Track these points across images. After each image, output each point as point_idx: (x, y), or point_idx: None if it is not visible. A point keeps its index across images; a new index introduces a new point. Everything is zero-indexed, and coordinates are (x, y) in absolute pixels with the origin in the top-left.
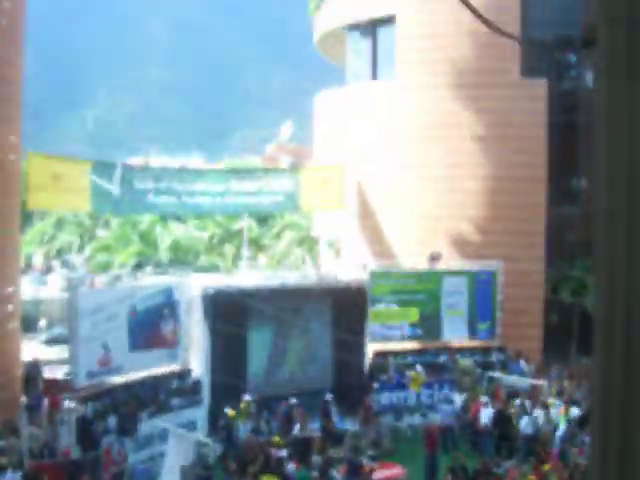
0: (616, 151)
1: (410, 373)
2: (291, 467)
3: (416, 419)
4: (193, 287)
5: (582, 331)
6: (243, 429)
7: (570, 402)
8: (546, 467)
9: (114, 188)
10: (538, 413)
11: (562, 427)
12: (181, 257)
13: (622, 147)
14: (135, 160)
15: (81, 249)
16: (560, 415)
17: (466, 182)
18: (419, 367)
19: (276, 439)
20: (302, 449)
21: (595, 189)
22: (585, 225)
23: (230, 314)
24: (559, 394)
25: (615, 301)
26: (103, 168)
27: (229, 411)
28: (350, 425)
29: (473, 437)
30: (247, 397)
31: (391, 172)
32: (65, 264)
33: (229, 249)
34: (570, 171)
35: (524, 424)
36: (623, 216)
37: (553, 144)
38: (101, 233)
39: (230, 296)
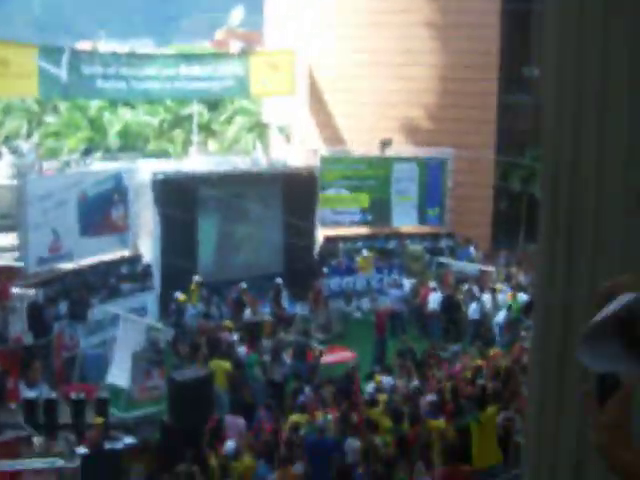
0: (564, 40)
1: (358, 258)
2: (242, 351)
3: (365, 303)
4: (143, 173)
5: (530, 219)
6: (193, 312)
7: (518, 288)
8: (491, 351)
9: (62, 73)
10: (486, 298)
11: (502, 313)
12: (131, 143)
13: (570, 37)
14: (83, 45)
15: (29, 135)
16: (507, 300)
17: (418, 69)
18: (365, 251)
19: (226, 323)
20: (252, 333)
21: (544, 78)
22: (536, 114)
23: (180, 199)
24: (507, 280)
25: (559, 189)
26: (50, 53)
27: (179, 295)
28: (300, 309)
29: (421, 321)
30: (197, 279)
31: (342, 57)
32: (13, 151)
33: (179, 135)
34: (523, 59)
35: (472, 309)
36: (570, 104)
37: (506, 32)
38: (50, 119)
39: (179, 181)
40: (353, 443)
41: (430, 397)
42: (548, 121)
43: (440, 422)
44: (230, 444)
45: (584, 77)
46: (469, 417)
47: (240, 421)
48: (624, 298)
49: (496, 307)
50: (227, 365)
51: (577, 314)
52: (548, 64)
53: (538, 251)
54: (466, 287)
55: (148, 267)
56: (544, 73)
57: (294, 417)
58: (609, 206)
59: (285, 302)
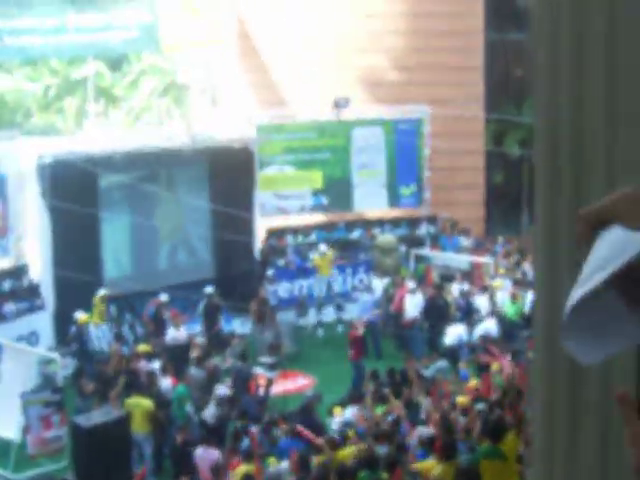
0: None
1: (314, 256)
2: (165, 383)
3: (328, 314)
4: (24, 156)
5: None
6: (97, 335)
7: (522, 284)
8: (494, 367)
9: None
10: (481, 299)
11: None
12: (6, 117)
13: None
14: None
15: None
16: (508, 300)
17: (379, 2)
18: (324, 246)
19: (143, 348)
20: (178, 359)
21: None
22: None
23: (75, 189)
24: (507, 274)
25: (560, 150)
26: None
27: (80, 315)
28: (239, 326)
29: (398, 333)
30: (102, 291)
31: None
32: None
33: (70, 104)
34: None
35: (461, 314)
36: (568, 41)
37: None
38: None
39: (74, 165)
40: None
41: (420, 431)
42: (541, 64)
43: (430, 463)
44: None
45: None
46: (480, 453)
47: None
48: (622, 237)
49: (495, 310)
50: (147, 403)
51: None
52: None
53: (536, 235)
54: (455, 286)
55: (36, 281)
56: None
57: (242, 468)
58: (622, 169)
59: (220, 317)
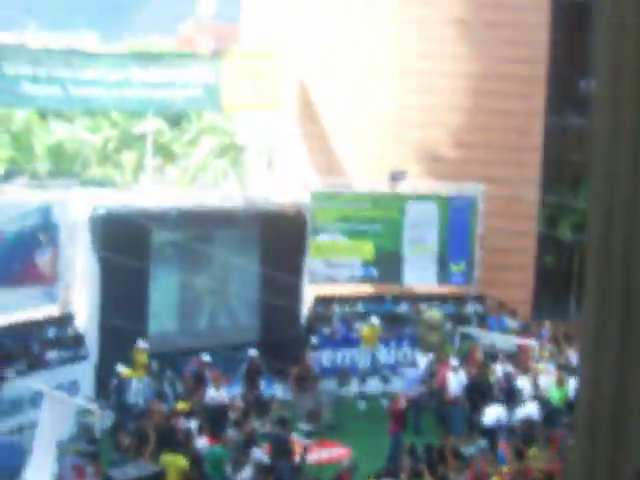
0: (621, 44)
1: (362, 326)
2: (202, 443)
3: (371, 385)
4: (79, 206)
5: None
6: (138, 388)
7: (566, 368)
8: (532, 452)
9: None
10: (524, 382)
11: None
12: (64, 167)
13: (629, 40)
14: (6, 37)
15: None
16: (554, 384)
17: (442, 79)
18: (375, 318)
19: (181, 405)
20: (216, 420)
21: (596, 93)
22: None
23: (127, 242)
24: (553, 358)
25: (613, 235)
26: None
27: (122, 369)
28: (280, 391)
29: (439, 410)
30: (142, 344)
31: (344, 63)
32: None
33: (128, 158)
34: (579, 70)
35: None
36: (626, 131)
37: (558, 33)
38: None
39: (127, 219)
40: None
41: None
42: (599, 149)
43: None
44: None
45: None
46: None
47: None
48: None
49: (537, 394)
50: (182, 461)
51: (631, 418)
52: (602, 76)
53: (584, 326)
54: (498, 367)
55: (81, 330)
56: (596, 86)
57: None
58: None
59: (261, 381)
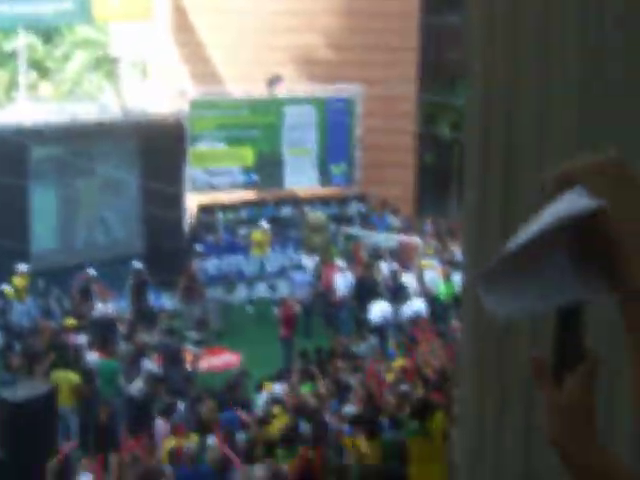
0: None
1: (250, 232)
2: (92, 357)
3: (260, 290)
4: None
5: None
6: (21, 310)
7: (451, 264)
8: (422, 346)
9: None
10: (409, 278)
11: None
12: None
13: None
14: None
15: None
16: (440, 280)
17: None
18: (265, 223)
19: (70, 321)
20: (105, 334)
21: None
22: None
23: (5, 160)
24: (437, 254)
25: (492, 133)
26: None
27: (6, 289)
28: (168, 302)
29: (327, 311)
30: (23, 267)
31: None
32: None
33: (1, 76)
34: None
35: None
36: (501, 21)
37: None
38: None
39: (3, 137)
40: (257, 471)
41: (347, 408)
42: (475, 46)
43: (358, 440)
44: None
45: None
46: (406, 430)
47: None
48: (578, 199)
49: (424, 290)
50: (74, 376)
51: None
52: None
53: (466, 218)
54: (383, 264)
55: None
56: None
57: (169, 442)
58: (555, 150)
59: (148, 293)
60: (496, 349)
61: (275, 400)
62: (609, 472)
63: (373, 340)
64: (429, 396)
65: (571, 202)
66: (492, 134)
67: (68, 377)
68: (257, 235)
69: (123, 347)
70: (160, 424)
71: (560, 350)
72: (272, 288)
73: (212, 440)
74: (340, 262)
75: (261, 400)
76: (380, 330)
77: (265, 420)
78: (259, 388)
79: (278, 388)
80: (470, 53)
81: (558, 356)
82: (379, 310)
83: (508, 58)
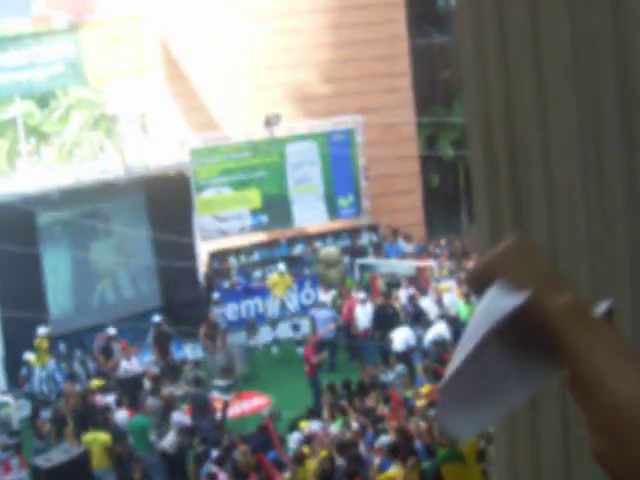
0: None
1: (271, 275)
2: (121, 415)
3: (283, 331)
4: None
5: (471, 191)
6: (44, 376)
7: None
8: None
9: None
10: (428, 302)
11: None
12: None
13: None
14: None
15: None
16: (460, 301)
17: (302, 18)
18: (282, 265)
19: (95, 382)
20: (132, 391)
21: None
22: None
23: (13, 230)
24: (453, 274)
25: (494, 147)
26: None
27: (29, 357)
28: (190, 352)
29: (351, 343)
30: (42, 330)
31: (203, 15)
32: None
33: (1, 145)
34: None
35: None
36: (491, 34)
37: None
38: None
39: (9, 206)
40: None
41: (382, 440)
42: (468, 63)
43: (393, 473)
44: None
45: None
46: (439, 457)
47: None
48: (506, 296)
49: (444, 313)
50: (104, 437)
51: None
52: None
53: (479, 235)
54: (402, 292)
55: None
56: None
57: None
58: (559, 157)
59: (170, 345)
60: None
61: (308, 439)
62: None
63: (400, 368)
64: None
65: (496, 301)
66: (496, 146)
67: (99, 438)
68: (274, 278)
69: (151, 402)
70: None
71: None
72: (294, 328)
73: None
74: (360, 294)
75: (293, 440)
76: (405, 357)
77: (300, 459)
78: (292, 428)
79: (313, 426)
80: (464, 69)
81: None
82: (401, 337)
83: (502, 70)
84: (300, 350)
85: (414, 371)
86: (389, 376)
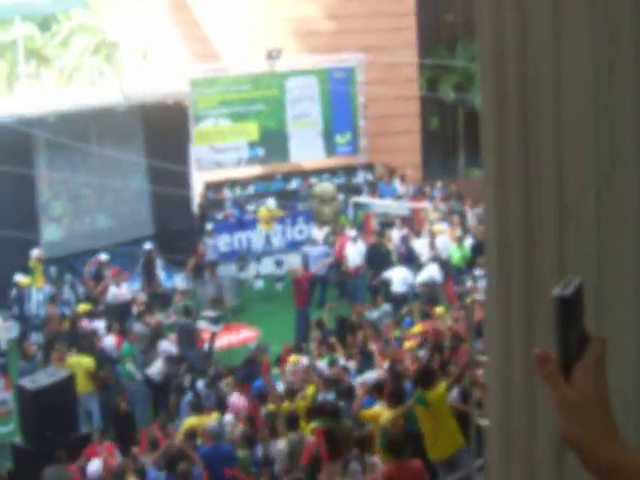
0: None
1: (256, 208)
2: (109, 341)
3: (267, 266)
4: None
5: (471, 136)
6: (39, 297)
7: (462, 227)
8: (438, 310)
9: None
10: (422, 243)
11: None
12: None
13: None
14: None
15: None
16: (453, 245)
17: None
18: (271, 200)
19: (83, 307)
20: (120, 317)
21: None
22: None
23: (10, 151)
24: (447, 218)
25: (506, 91)
26: None
27: (20, 278)
28: (180, 281)
29: (341, 280)
30: (36, 252)
31: None
32: None
33: (1, 66)
34: None
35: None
36: None
37: None
38: None
39: (7, 127)
40: (279, 445)
41: (367, 377)
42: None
43: (377, 410)
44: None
45: None
46: (412, 399)
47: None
48: None
49: (437, 255)
50: (88, 361)
51: (543, 253)
52: None
53: (486, 176)
54: (395, 232)
55: None
56: None
57: (190, 420)
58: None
59: (160, 273)
60: (522, 311)
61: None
62: (634, 470)
63: (385, 307)
64: (429, 364)
65: None
66: (507, 97)
67: (82, 362)
68: (263, 212)
69: (138, 328)
70: (184, 404)
71: (565, 343)
72: (278, 265)
73: (230, 417)
74: (352, 232)
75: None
76: (399, 298)
77: (291, 393)
78: (278, 362)
79: (302, 361)
80: (479, 11)
81: (564, 350)
82: (400, 277)
83: (518, 13)
84: (279, 286)
85: (399, 311)
86: (373, 314)
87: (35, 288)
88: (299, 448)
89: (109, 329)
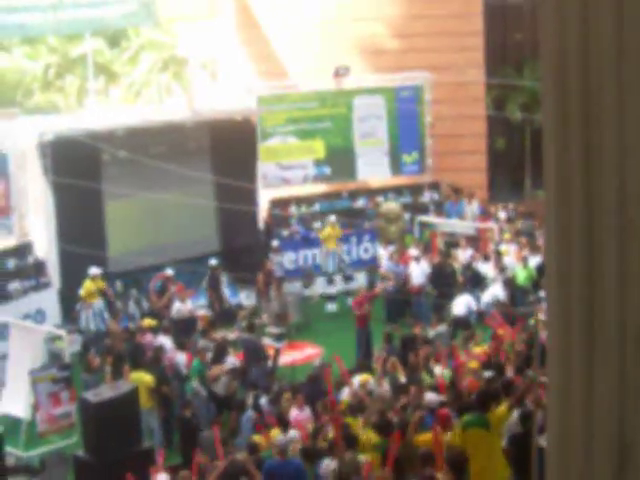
0: None
1: (321, 225)
2: (180, 358)
3: (337, 284)
4: (26, 134)
5: (537, 156)
6: (88, 313)
7: (529, 248)
8: (500, 332)
9: None
10: (487, 265)
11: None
12: (7, 95)
13: None
14: None
15: None
16: (519, 265)
17: None
18: (333, 217)
19: (147, 322)
20: (185, 332)
21: None
22: (536, 18)
23: (78, 165)
24: (514, 239)
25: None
26: None
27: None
28: (245, 298)
29: (405, 300)
30: (94, 270)
31: None
32: None
33: (71, 82)
34: None
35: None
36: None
37: None
38: None
39: (75, 142)
40: (330, 464)
41: (429, 397)
42: (547, 25)
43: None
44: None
45: None
46: (470, 421)
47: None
48: None
49: (503, 276)
50: (148, 378)
51: (604, 272)
52: None
53: (547, 195)
54: (460, 252)
55: (41, 259)
56: None
57: (253, 437)
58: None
59: (225, 290)
60: (582, 334)
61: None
62: None
63: (441, 327)
64: (490, 386)
65: None
66: (570, 116)
67: (144, 379)
68: (326, 230)
69: (202, 344)
70: (245, 420)
71: None
72: (347, 281)
73: (294, 433)
74: (414, 251)
75: (344, 394)
76: (461, 321)
77: (357, 409)
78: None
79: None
80: (542, 32)
81: None
82: (463, 302)
83: (581, 18)
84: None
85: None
86: (430, 334)
87: (87, 303)
88: (349, 469)
89: (180, 346)
